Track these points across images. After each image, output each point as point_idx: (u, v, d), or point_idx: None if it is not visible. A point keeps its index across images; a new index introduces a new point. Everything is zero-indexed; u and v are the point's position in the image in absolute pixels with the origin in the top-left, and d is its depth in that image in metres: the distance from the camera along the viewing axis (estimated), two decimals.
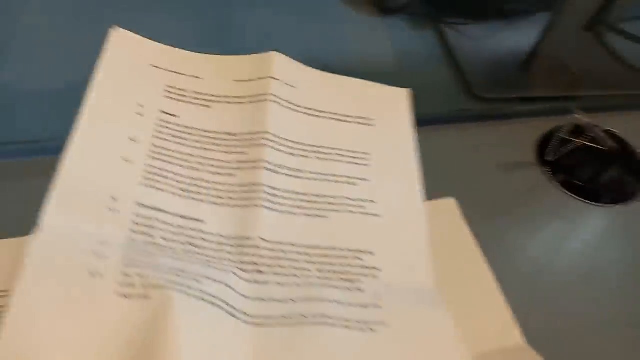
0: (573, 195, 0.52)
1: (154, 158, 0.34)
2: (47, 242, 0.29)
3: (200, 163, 0.35)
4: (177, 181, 0.34)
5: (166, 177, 0.34)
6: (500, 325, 0.33)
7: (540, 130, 0.58)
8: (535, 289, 0.44)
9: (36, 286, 0.27)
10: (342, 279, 0.32)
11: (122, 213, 0.31)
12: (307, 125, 0.38)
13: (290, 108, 0.38)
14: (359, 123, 0.40)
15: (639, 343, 0.41)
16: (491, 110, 0.60)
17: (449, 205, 0.40)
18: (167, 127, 0.36)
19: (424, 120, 0.59)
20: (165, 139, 0.35)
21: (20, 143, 0.41)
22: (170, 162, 0.34)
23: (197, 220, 0.32)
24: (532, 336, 0.38)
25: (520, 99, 0.59)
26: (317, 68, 0.44)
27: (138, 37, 0.40)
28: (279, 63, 0.39)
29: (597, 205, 0.52)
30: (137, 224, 0.31)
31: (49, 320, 0.26)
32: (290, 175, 0.35)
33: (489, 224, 0.48)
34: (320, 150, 0.37)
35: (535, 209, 0.50)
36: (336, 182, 0.36)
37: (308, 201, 0.35)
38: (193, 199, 0.33)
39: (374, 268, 0.33)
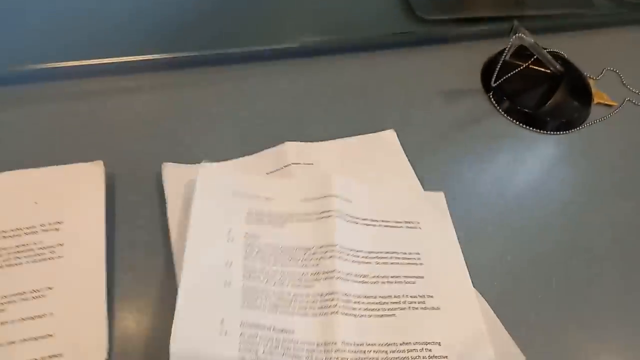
0: (518, 124, 0.50)
1: (246, 278, 0.39)
2: None
3: (283, 278, 0.39)
4: (267, 297, 0.38)
5: (259, 295, 0.38)
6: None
7: (485, 53, 0.55)
8: (479, 220, 0.44)
9: None
10: None
11: (230, 334, 0.36)
12: (365, 234, 0.43)
13: (350, 221, 0.43)
14: (407, 227, 0.44)
15: (587, 266, 0.41)
16: (433, 33, 0.57)
17: (389, 138, 0.47)
18: (252, 249, 0.40)
19: (363, 46, 0.55)
20: (253, 259, 0.40)
21: None
22: (260, 281, 0.39)
23: (289, 331, 0.37)
24: (478, 272, 0.39)
25: (463, 20, 0.56)
26: None
27: (220, 168, 0.45)
28: (338, 182, 0.44)
29: (543, 133, 0.50)
30: (243, 342, 0.36)
31: None
32: (358, 282, 0.40)
33: (431, 156, 0.47)
34: (379, 255, 0.42)
35: (478, 138, 0.49)
36: (396, 282, 0.41)
37: (376, 303, 0.39)
38: (282, 312, 0.38)
39: (442, 357, 0.37)
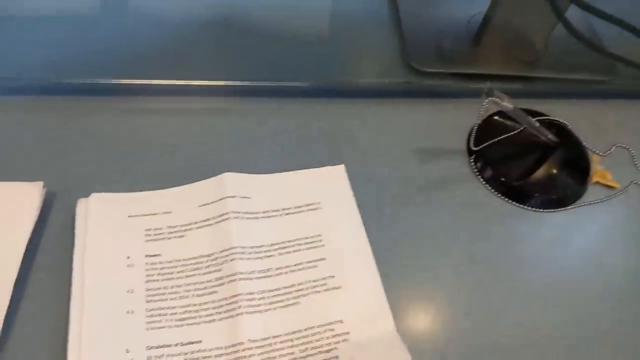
0: (495, 193, 0.46)
1: (150, 301, 0.39)
2: None
3: (187, 290, 0.40)
4: (172, 314, 0.39)
5: (164, 315, 0.38)
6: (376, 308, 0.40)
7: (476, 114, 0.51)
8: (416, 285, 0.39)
9: None
10: (320, 351, 0.37)
11: None
12: (267, 227, 0.43)
13: (249, 218, 0.43)
14: (308, 210, 0.44)
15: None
16: (429, 85, 0.54)
17: (338, 172, 0.47)
18: (154, 269, 0.41)
19: (355, 92, 0.54)
20: (155, 280, 0.40)
21: None
22: (163, 300, 0.39)
23: (196, 342, 0.37)
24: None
25: (466, 75, 0.53)
26: None
27: (110, 195, 0.44)
28: (232, 181, 0.44)
29: (521, 207, 0.46)
30: None
31: None
32: (261, 277, 0.40)
33: (386, 212, 0.44)
34: (282, 246, 0.42)
35: (443, 204, 0.45)
36: (299, 269, 0.41)
37: (280, 294, 0.40)
38: (188, 324, 0.38)
39: (345, 333, 0.38)
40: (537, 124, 0.45)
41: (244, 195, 0.44)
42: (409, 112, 0.51)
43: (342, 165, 0.47)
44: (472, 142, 0.45)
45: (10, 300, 0.37)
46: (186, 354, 0.37)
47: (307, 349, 0.37)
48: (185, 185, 0.45)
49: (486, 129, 0.49)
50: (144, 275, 0.40)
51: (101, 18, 0.56)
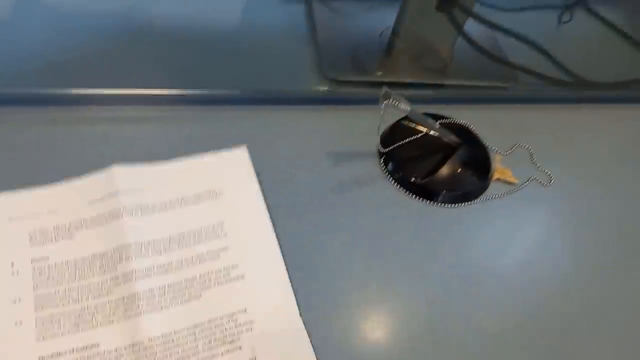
0: (404, 191, 0.48)
1: (39, 309, 0.36)
2: None
3: (80, 293, 0.37)
4: (65, 320, 0.36)
5: (57, 321, 0.36)
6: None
7: (395, 119, 0.54)
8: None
9: None
10: (223, 342, 0.36)
11: None
12: (164, 219, 0.41)
13: (144, 212, 0.41)
14: (208, 198, 0.43)
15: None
16: (342, 93, 0.56)
17: (240, 156, 0.45)
18: (42, 274, 0.38)
19: (272, 99, 0.55)
20: (44, 286, 0.37)
21: None
22: (55, 305, 0.37)
23: (93, 345, 0.36)
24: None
25: (376, 83, 0.55)
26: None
27: None
28: (120, 175, 0.42)
29: (428, 203, 0.48)
30: None
31: None
32: (161, 273, 0.39)
33: (297, 214, 0.44)
34: (181, 237, 0.40)
35: (355, 202, 0.47)
36: (200, 262, 0.40)
37: (182, 288, 0.38)
38: (83, 329, 0.36)
39: (249, 322, 0.38)
40: (438, 125, 0.47)
41: (136, 188, 0.42)
42: (324, 118, 0.53)
43: (244, 147, 0.45)
44: (379, 144, 0.48)
45: None
46: (83, 358, 0.35)
47: (210, 341, 0.36)
48: (72, 182, 0.42)
49: (394, 132, 0.51)
50: (30, 282, 0.37)
51: None
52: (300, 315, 0.38)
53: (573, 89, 0.59)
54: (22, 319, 0.36)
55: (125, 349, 0.35)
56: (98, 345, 0.36)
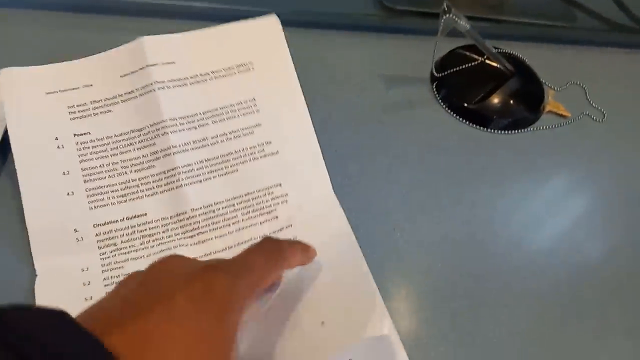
0: (453, 114, 0.48)
1: (88, 181, 0.38)
2: (47, 284, 0.35)
3: (124, 167, 0.39)
4: (113, 191, 0.38)
5: (105, 192, 0.38)
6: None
7: (447, 49, 0.54)
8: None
9: None
10: (261, 213, 0.39)
11: (86, 239, 0.37)
12: (197, 93, 0.41)
13: (177, 85, 0.41)
14: (240, 72, 0.42)
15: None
16: (398, 21, 0.56)
17: (270, 25, 0.44)
18: (85, 147, 0.39)
19: (326, 23, 0.55)
20: (89, 159, 0.39)
21: None
22: (101, 178, 0.38)
23: (141, 215, 0.38)
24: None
25: (432, 14, 0.55)
26: None
27: (19, 69, 0.40)
28: (150, 47, 0.41)
29: (476, 128, 0.49)
30: (100, 241, 0.37)
31: None
32: (197, 147, 0.40)
33: (345, 130, 0.45)
34: (215, 113, 0.41)
35: (405, 122, 0.47)
36: (235, 137, 0.41)
37: (219, 163, 0.40)
38: (131, 199, 0.38)
39: (284, 195, 0.40)
40: (494, 50, 0.47)
41: (167, 61, 0.41)
42: (379, 45, 0.53)
43: (274, 15, 0.43)
44: (434, 69, 0.48)
45: None
46: (133, 226, 0.37)
47: (249, 212, 0.39)
48: (102, 53, 0.41)
49: (449, 60, 0.51)
50: (76, 156, 0.39)
51: None
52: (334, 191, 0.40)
53: (635, 34, 0.58)
54: (74, 190, 0.38)
55: (170, 218, 0.38)
56: (146, 214, 0.38)
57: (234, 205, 0.39)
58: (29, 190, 0.37)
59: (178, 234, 0.38)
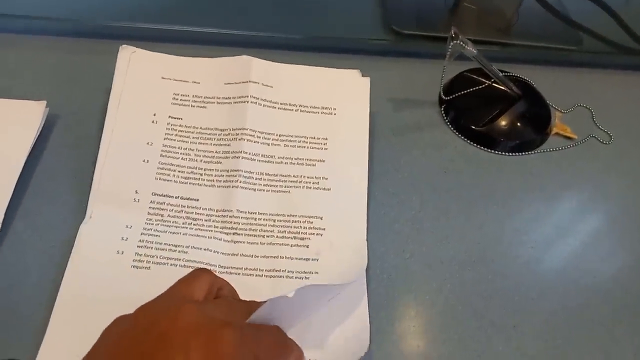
0: (461, 136, 0.49)
1: (164, 156, 0.45)
2: (93, 226, 0.41)
3: (197, 155, 0.45)
4: (180, 171, 0.44)
5: (173, 170, 0.44)
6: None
7: (455, 72, 0.55)
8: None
9: (86, 254, 0.40)
10: (295, 237, 0.42)
11: (142, 202, 0.43)
12: (280, 118, 0.47)
13: (267, 106, 0.47)
14: (323, 113, 0.48)
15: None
16: (408, 45, 0.57)
17: (363, 82, 0.49)
18: (174, 129, 0.46)
19: (334, 47, 0.56)
20: (172, 139, 0.46)
21: None
22: (175, 157, 0.45)
23: (194, 199, 0.43)
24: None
25: (440, 38, 0.56)
26: None
27: (148, 53, 0.49)
28: (258, 67, 0.49)
29: (484, 150, 0.49)
30: (152, 208, 0.42)
31: (93, 272, 0.39)
32: (263, 161, 0.45)
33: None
34: (289, 138, 0.47)
35: (415, 143, 0.48)
36: (298, 164, 0.45)
37: (276, 180, 0.44)
38: (191, 184, 0.44)
39: (321, 229, 0.42)
40: (501, 74, 0.49)
41: (266, 84, 0.48)
42: (387, 69, 0.55)
43: (368, 78, 0.49)
44: (441, 91, 0.49)
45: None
46: (184, 207, 0.42)
47: (285, 231, 0.42)
48: (215, 59, 0.49)
49: (456, 83, 0.53)
50: (163, 133, 0.45)
51: None
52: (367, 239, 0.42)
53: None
54: (149, 159, 0.44)
55: (217, 211, 0.42)
56: (198, 200, 0.43)
57: (274, 220, 0.42)
58: (111, 144, 0.44)
59: (217, 227, 0.42)
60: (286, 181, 0.44)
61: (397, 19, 0.57)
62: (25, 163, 0.43)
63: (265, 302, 0.28)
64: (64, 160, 0.45)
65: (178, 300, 0.29)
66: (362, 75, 0.49)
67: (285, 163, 0.45)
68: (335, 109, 0.48)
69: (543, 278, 0.42)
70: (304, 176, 0.44)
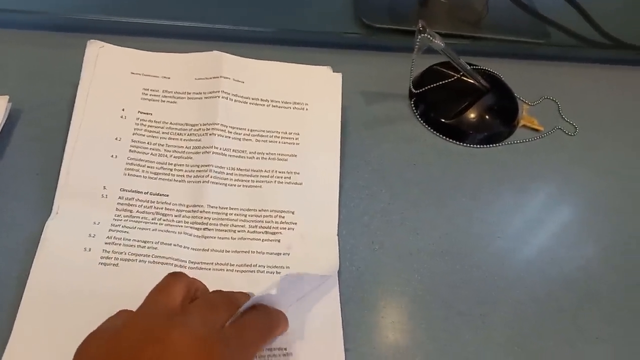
0: (430, 129, 0.50)
1: (132, 151, 0.44)
2: (59, 222, 0.40)
3: (167, 150, 0.45)
4: (149, 167, 0.44)
5: (142, 165, 0.44)
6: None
7: (425, 66, 0.55)
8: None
9: (52, 251, 0.39)
10: (266, 232, 0.42)
11: (110, 198, 0.42)
12: (252, 113, 0.47)
13: (238, 101, 0.47)
14: (294, 108, 0.48)
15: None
16: (379, 39, 0.58)
17: (335, 79, 0.49)
18: (143, 124, 0.46)
19: (304, 41, 0.56)
20: (142, 134, 0.45)
21: None
22: (145, 153, 0.44)
23: (164, 195, 0.43)
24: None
25: (411, 32, 0.56)
26: None
27: (117, 48, 0.48)
28: (230, 63, 0.48)
29: (453, 142, 0.50)
30: (120, 204, 0.42)
31: (59, 269, 0.38)
32: (235, 156, 0.45)
33: None
34: (260, 133, 0.46)
35: (385, 136, 0.48)
36: (270, 159, 0.45)
37: (247, 175, 0.44)
38: (161, 179, 0.43)
39: (293, 223, 0.43)
40: (469, 67, 0.49)
41: (238, 79, 0.48)
42: (357, 62, 0.55)
43: (339, 74, 0.49)
44: (411, 86, 0.50)
45: None
46: (153, 202, 0.42)
47: (256, 226, 0.42)
48: (186, 54, 0.49)
49: (426, 77, 0.53)
50: (132, 128, 0.45)
51: None
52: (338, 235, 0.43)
53: (606, 50, 0.60)
54: (118, 154, 0.44)
55: (187, 206, 0.42)
56: (168, 195, 0.43)
57: (245, 215, 0.42)
58: (79, 139, 0.43)
59: (187, 223, 0.41)
60: (258, 176, 0.44)
61: (368, 13, 0.57)
62: None
63: (246, 294, 0.31)
64: (28, 156, 0.44)
65: (161, 318, 0.29)
66: (334, 71, 0.50)
67: (257, 158, 0.45)
68: (307, 104, 0.48)
69: (511, 268, 0.43)
70: (276, 171, 0.44)
